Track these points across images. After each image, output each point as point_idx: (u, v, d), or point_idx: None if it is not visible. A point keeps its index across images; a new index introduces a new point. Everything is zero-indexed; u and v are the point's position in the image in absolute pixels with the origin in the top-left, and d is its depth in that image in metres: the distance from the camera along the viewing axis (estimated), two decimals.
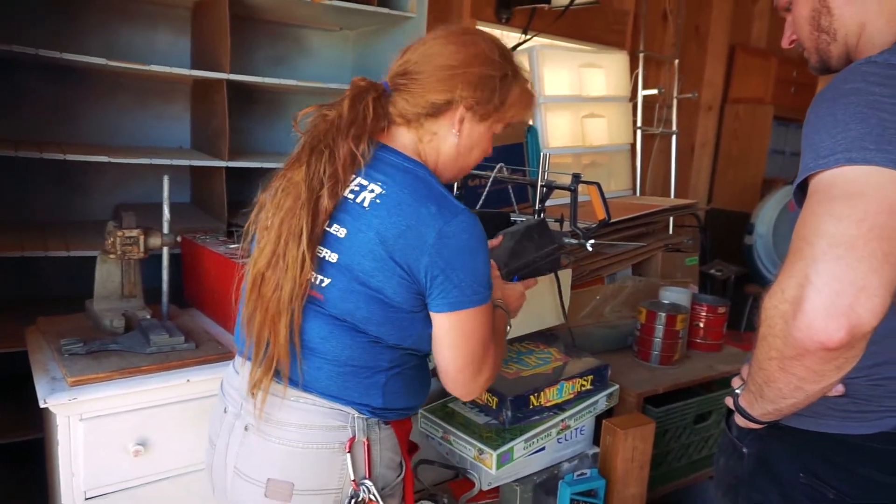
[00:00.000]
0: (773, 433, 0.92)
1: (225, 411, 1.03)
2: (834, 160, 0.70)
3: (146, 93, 1.93)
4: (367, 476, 0.96)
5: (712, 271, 2.97)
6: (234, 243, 1.57)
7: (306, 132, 0.98)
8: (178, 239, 1.44)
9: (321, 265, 0.94)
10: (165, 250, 1.42)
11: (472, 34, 1.03)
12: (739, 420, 0.93)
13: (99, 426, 1.17)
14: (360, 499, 0.94)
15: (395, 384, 0.98)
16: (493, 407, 1.38)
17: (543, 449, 1.45)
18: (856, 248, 0.65)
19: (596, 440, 1.55)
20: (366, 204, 0.92)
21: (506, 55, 1.03)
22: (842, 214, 0.67)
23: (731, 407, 0.96)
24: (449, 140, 1.01)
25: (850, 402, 0.89)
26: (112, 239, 1.34)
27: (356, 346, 0.95)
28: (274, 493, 0.94)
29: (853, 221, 0.66)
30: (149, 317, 1.39)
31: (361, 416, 0.96)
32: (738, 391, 0.92)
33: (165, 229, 1.39)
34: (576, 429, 1.50)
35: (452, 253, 0.90)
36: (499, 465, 1.32)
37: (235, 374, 1.03)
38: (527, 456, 1.40)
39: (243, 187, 2.11)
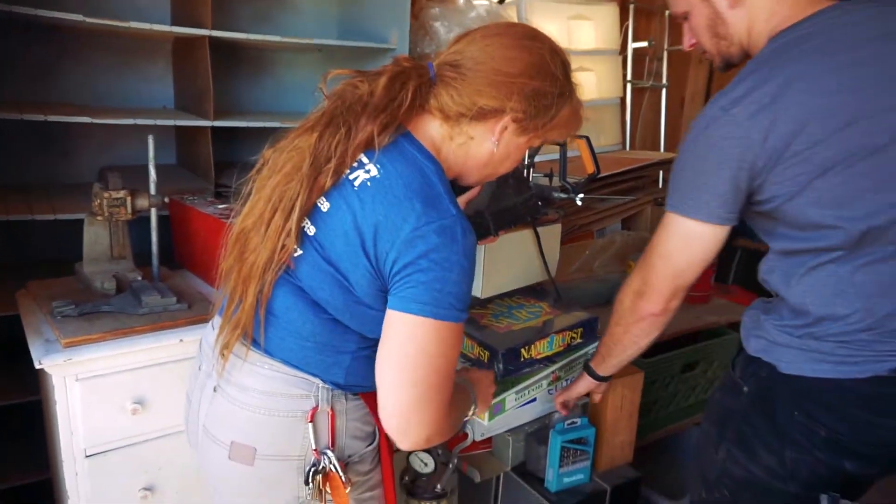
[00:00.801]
0: (774, 377, 0.97)
1: (199, 368, 1.03)
2: (670, 204, 1.00)
3: (127, 52, 1.89)
4: (330, 446, 0.94)
5: None
6: (222, 204, 1.56)
7: (331, 97, 0.92)
8: (166, 200, 1.43)
9: (299, 235, 0.91)
10: (154, 211, 1.41)
11: (537, 39, 0.95)
12: (584, 383, 1.33)
13: (95, 386, 1.19)
14: (320, 467, 0.93)
15: (360, 365, 0.95)
16: (486, 361, 1.40)
17: (535, 400, 1.48)
18: (665, 266, 1.04)
19: None
20: (356, 183, 0.88)
21: (566, 70, 0.97)
22: (660, 251, 1.04)
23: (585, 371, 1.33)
24: (484, 146, 0.95)
25: (842, 347, 0.93)
26: (99, 201, 1.33)
27: (318, 322, 0.92)
28: (237, 455, 0.93)
29: (664, 257, 1.03)
30: (139, 278, 1.39)
31: (326, 386, 0.94)
32: (587, 359, 1.32)
33: (153, 190, 1.38)
34: (566, 380, 1.53)
35: (421, 254, 0.83)
36: (491, 417, 1.35)
37: (212, 330, 1.02)
38: (518, 407, 1.43)
39: (230, 148, 2.09)
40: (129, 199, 1.34)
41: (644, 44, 2.88)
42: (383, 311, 0.88)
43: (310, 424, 0.92)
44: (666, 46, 3.03)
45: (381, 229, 0.85)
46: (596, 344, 1.55)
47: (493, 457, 1.54)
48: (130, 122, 1.61)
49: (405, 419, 0.86)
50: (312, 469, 0.93)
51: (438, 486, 1.34)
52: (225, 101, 2.04)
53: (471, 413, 1.11)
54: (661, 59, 3.04)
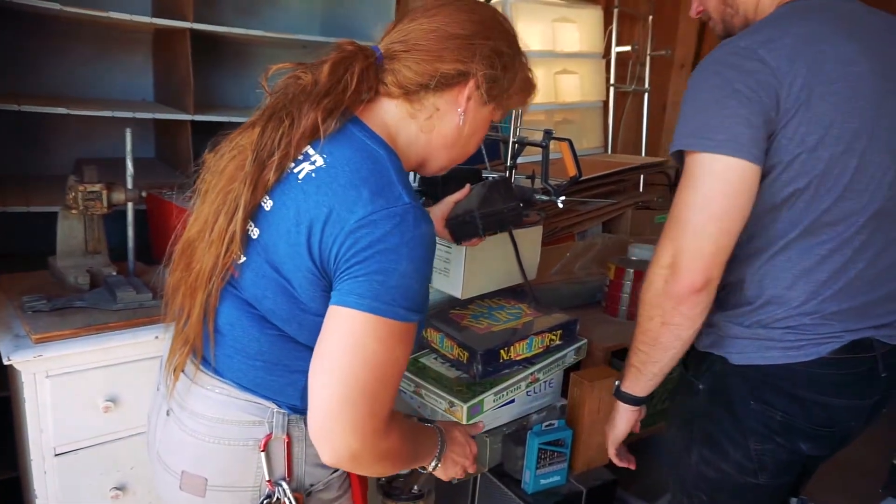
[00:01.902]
0: (726, 370, 0.98)
1: (157, 389, 0.96)
2: (689, 144, 0.90)
3: (107, 42, 1.86)
4: (286, 476, 0.86)
5: None
6: None
7: (274, 92, 0.87)
8: (143, 195, 1.40)
9: (244, 238, 0.83)
10: (130, 206, 1.38)
11: (480, 4, 0.92)
12: (622, 417, 1.13)
13: (66, 383, 1.16)
14: (274, 499, 0.86)
15: None
16: (465, 361, 1.40)
17: (513, 401, 1.48)
18: (704, 225, 0.89)
19: (564, 392, 1.59)
20: (300, 176, 0.81)
21: (508, 21, 0.93)
22: (691, 198, 0.90)
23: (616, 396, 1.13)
24: (451, 120, 0.89)
25: (789, 333, 0.97)
26: (73, 194, 1.30)
27: (265, 339, 0.84)
28: (188, 486, 0.87)
29: (699, 207, 0.89)
30: (114, 273, 1.37)
31: (281, 411, 0.86)
32: (616, 382, 1.11)
33: (129, 184, 1.36)
34: (545, 381, 1.53)
35: (366, 245, 0.75)
36: (469, 417, 1.35)
37: (169, 341, 0.94)
38: (496, 408, 1.43)
39: (207, 141, 2.06)
40: (104, 192, 1.31)
41: (627, 48, 2.90)
42: None
43: (262, 454, 0.85)
44: (649, 51, 3.05)
45: (325, 223, 0.77)
46: (576, 346, 1.56)
47: None
48: (108, 114, 1.58)
49: (329, 422, 0.75)
50: (266, 501, 0.86)
51: (415, 487, 1.33)
52: (206, 96, 2.02)
53: (430, 466, 0.98)
54: (643, 64, 3.07)
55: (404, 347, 0.79)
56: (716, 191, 0.88)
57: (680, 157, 0.94)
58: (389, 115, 0.88)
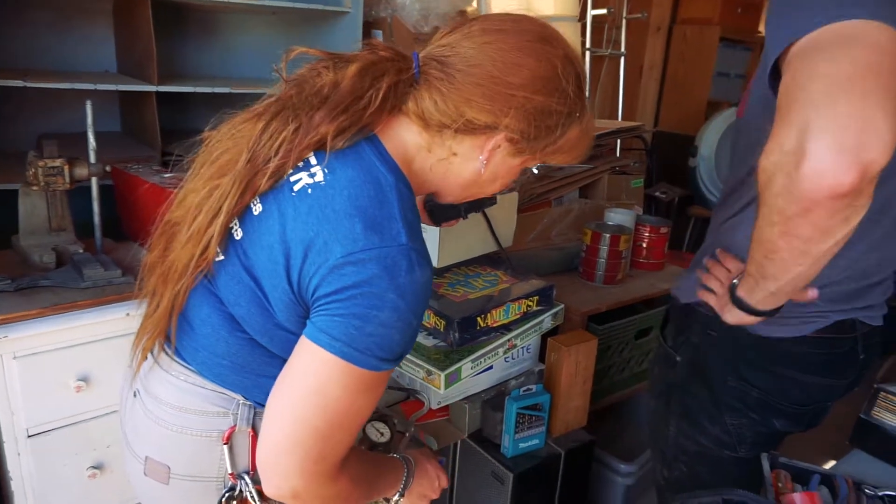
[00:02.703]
0: (706, 341, 0.98)
1: (129, 366, 0.92)
2: (815, 23, 0.64)
3: (65, 11, 1.78)
4: (250, 469, 0.82)
5: (657, 193, 3.04)
6: (168, 172, 1.50)
7: (289, 81, 0.77)
8: (108, 169, 1.36)
9: (224, 239, 0.78)
10: (94, 181, 1.35)
11: (550, 43, 0.77)
12: (732, 317, 0.87)
13: (35, 363, 1.14)
14: (236, 492, 0.82)
15: None
16: (441, 330, 1.40)
17: (491, 368, 1.49)
18: (855, 82, 0.59)
19: (542, 357, 1.61)
20: (296, 188, 0.73)
21: (580, 84, 0.80)
22: (836, 56, 0.61)
23: (713, 304, 0.92)
24: (470, 165, 0.80)
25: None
26: (33, 170, 1.26)
27: (234, 341, 0.79)
28: (152, 472, 0.84)
29: (849, 61, 0.60)
30: (81, 251, 1.34)
31: (248, 402, 0.82)
32: (735, 281, 0.85)
33: (92, 158, 1.32)
34: (522, 347, 1.54)
35: (348, 285, 0.68)
36: (447, 385, 1.35)
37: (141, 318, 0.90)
38: (474, 375, 1.44)
39: (178, 114, 2.01)
40: (66, 167, 1.27)
41: (603, 11, 2.87)
42: None
43: (225, 446, 0.81)
44: (625, 14, 3.02)
45: (309, 249, 0.70)
46: (553, 311, 1.57)
47: (449, 424, 1.55)
48: (68, 86, 1.52)
49: (275, 455, 0.71)
50: (228, 494, 0.82)
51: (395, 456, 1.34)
52: (171, 65, 1.96)
53: (392, 499, 0.91)
54: (619, 28, 3.04)
55: (370, 396, 0.73)
56: (872, 49, 0.61)
57: (777, 73, 0.70)
58: (409, 138, 0.79)
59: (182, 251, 0.78)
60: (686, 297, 1.04)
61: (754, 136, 0.91)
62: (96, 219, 1.38)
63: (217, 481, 0.83)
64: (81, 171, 1.30)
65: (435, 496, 0.98)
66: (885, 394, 1.10)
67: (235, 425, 0.81)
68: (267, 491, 0.73)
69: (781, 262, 0.72)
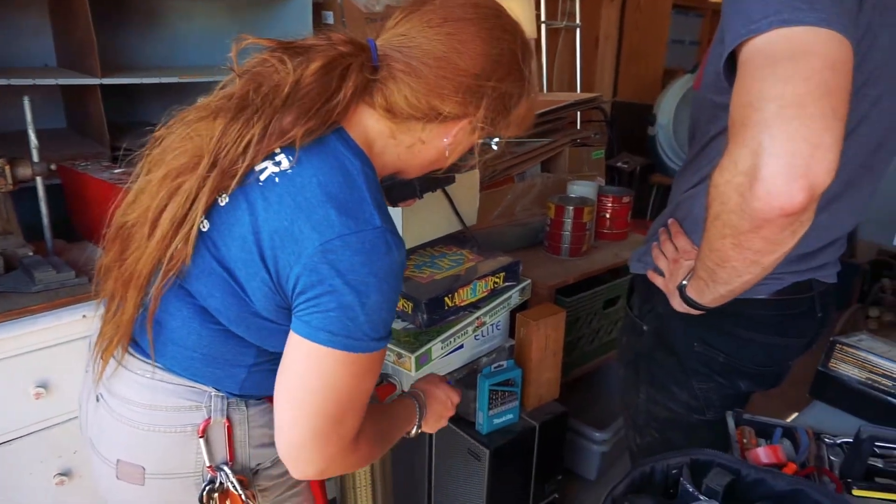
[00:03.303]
0: (670, 309, 0.99)
1: (86, 371, 0.90)
2: (767, 23, 0.66)
3: None
4: (229, 460, 0.83)
5: (619, 164, 3.06)
6: (119, 168, 1.45)
7: (244, 74, 0.75)
8: (53, 167, 1.31)
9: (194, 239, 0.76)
10: (39, 180, 1.30)
11: (507, 30, 0.79)
12: (680, 307, 0.92)
13: None
14: (217, 485, 0.82)
15: (259, 378, 0.83)
16: (409, 312, 1.39)
17: (462, 347, 1.49)
18: (805, 106, 0.62)
19: (512, 333, 1.62)
20: (262, 177, 0.72)
21: (529, 55, 0.82)
22: (787, 75, 0.63)
23: (661, 286, 0.97)
24: (435, 147, 0.82)
25: None
26: None
27: (206, 333, 0.79)
28: (125, 475, 0.82)
29: (799, 80, 0.63)
30: (31, 254, 1.29)
31: (220, 394, 0.81)
32: (684, 282, 0.90)
33: (35, 157, 1.27)
34: (492, 324, 1.55)
35: (331, 274, 0.69)
36: (418, 367, 1.35)
37: (99, 321, 0.87)
38: (445, 355, 1.44)
39: (126, 107, 1.94)
40: (7, 168, 1.22)
41: None
42: (286, 326, 0.75)
43: (201, 440, 0.80)
44: None
45: (285, 238, 0.70)
46: (520, 287, 1.58)
47: None
48: (3, 82, 1.45)
49: (298, 452, 0.74)
50: (208, 487, 0.82)
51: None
52: (115, 56, 1.88)
53: (413, 431, 0.96)
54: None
55: (374, 373, 0.76)
56: (821, 65, 0.63)
57: (732, 62, 0.73)
58: (370, 125, 0.79)
59: (146, 255, 0.75)
60: (644, 269, 1.05)
61: (710, 110, 0.92)
62: (45, 220, 1.33)
63: (195, 476, 0.82)
64: (24, 171, 1.25)
65: (451, 413, 1.03)
66: (840, 346, 1.13)
67: (210, 418, 0.80)
68: (295, 476, 0.77)
69: (733, 270, 0.76)
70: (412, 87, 0.75)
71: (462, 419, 1.53)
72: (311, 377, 0.72)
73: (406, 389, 1.19)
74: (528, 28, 2.71)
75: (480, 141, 0.86)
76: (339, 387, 0.72)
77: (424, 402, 0.98)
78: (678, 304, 0.93)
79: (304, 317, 0.71)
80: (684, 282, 0.91)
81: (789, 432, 0.96)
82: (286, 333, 0.75)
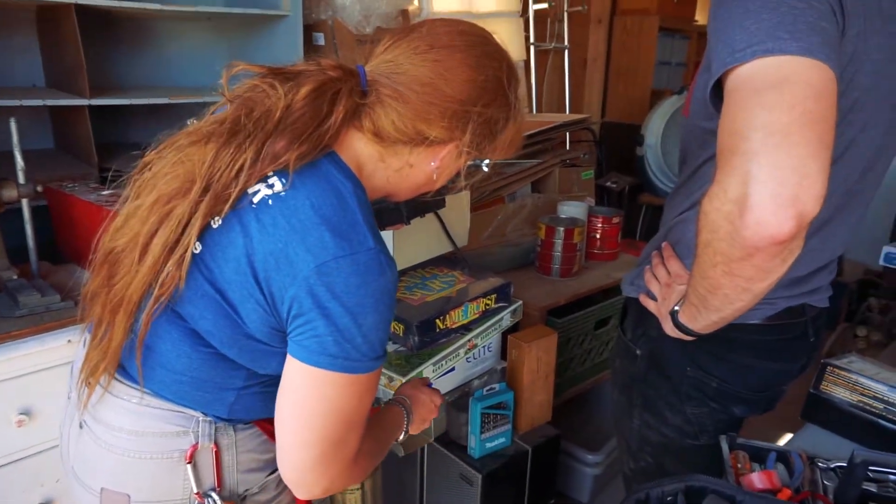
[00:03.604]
0: (663, 333, 0.99)
1: (68, 397, 0.88)
2: (751, 52, 0.68)
3: None
4: (216, 486, 0.81)
5: (608, 184, 3.08)
6: (107, 189, 1.44)
7: (234, 100, 0.75)
8: (40, 189, 1.30)
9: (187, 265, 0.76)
10: (25, 203, 1.28)
11: (494, 57, 0.81)
12: (672, 332, 0.93)
13: None
14: None
15: (248, 401, 0.82)
16: (400, 334, 1.38)
17: (454, 369, 1.48)
18: (791, 134, 0.63)
19: (504, 355, 1.61)
20: (255, 199, 0.72)
21: (517, 81, 0.84)
22: (772, 104, 0.65)
23: (654, 311, 0.97)
24: (423, 170, 0.83)
25: None
26: None
27: (196, 356, 0.78)
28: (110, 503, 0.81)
29: (784, 109, 0.64)
30: (15, 277, 1.27)
31: (207, 419, 0.80)
32: (676, 308, 0.90)
33: (21, 179, 1.25)
34: (483, 346, 1.54)
35: (327, 297, 0.69)
36: None
37: (82, 347, 0.87)
38: (437, 378, 1.43)
39: (114, 128, 1.93)
40: None
41: (544, 5, 2.89)
42: (279, 348, 0.75)
43: (189, 466, 0.79)
44: (566, 7, 3.05)
45: (279, 260, 0.70)
46: (512, 308, 1.57)
47: None
48: None
49: (303, 475, 0.75)
50: None
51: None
52: (104, 76, 1.88)
53: (400, 437, 0.97)
54: (561, 21, 3.07)
55: (372, 392, 0.76)
56: (805, 94, 0.65)
57: (718, 89, 0.74)
58: (360, 149, 0.80)
59: (136, 280, 0.74)
60: (636, 293, 1.05)
61: (700, 136, 0.93)
62: (30, 243, 1.31)
63: (182, 502, 0.81)
64: (10, 193, 1.23)
65: (434, 415, 1.04)
66: (832, 368, 1.13)
67: (198, 443, 0.79)
68: (300, 497, 0.78)
69: (725, 297, 0.76)
70: (399, 111, 0.77)
71: (454, 443, 1.52)
72: (312, 400, 0.72)
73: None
74: (517, 50, 2.74)
75: (470, 163, 0.87)
76: (341, 408, 0.73)
77: (410, 407, 0.99)
78: (670, 330, 0.93)
79: (302, 341, 0.71)
80: (676, 307, 0.91)
81: (783, 456, 0.96)
82: (278, 356, 0.75)
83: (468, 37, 0.80)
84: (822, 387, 1.13)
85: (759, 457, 0.96)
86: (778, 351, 0.99)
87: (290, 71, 0.77)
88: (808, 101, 0.64)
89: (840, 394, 1.12)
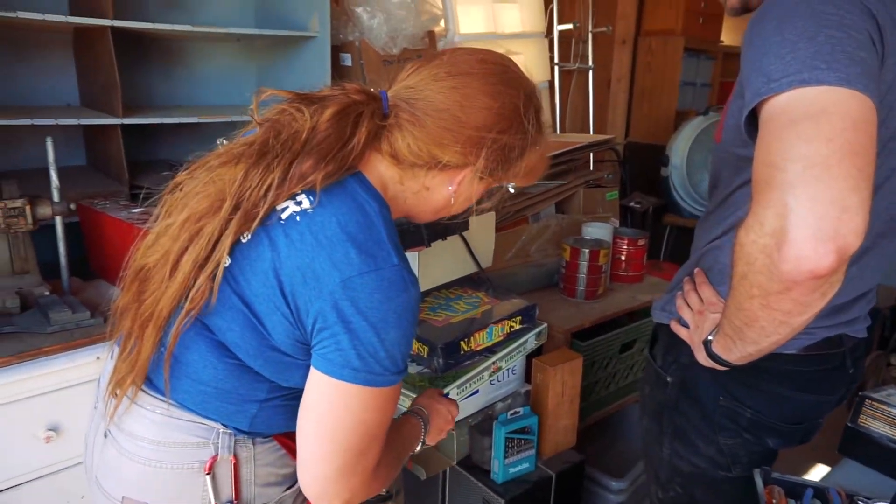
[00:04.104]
0: (694, 362, 0.96)
1: (95, 407, 0.90)
2: (787, 83, 0.67)
3: (22, 45, 1.73)
4: (234, 499, 0.82)
5: (632, 204, 3.06)
6: (137, 207, 1.46)
7: (264, 123, 0.78)
8: (73, 207, 1.32)
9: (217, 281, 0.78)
10: (59, 220, 1.30)
11: (511, 85, 0.82)
12: (705, 361, 0.90)
13: (1, 415, 1.09)
14: None
15: (269, 414, 0.83)
16: (425, 356, 1.37)
17: (477, 392, 1.47)
18: (831, 167, 0.62)
19: (528, 378, 1.59)
20: (284, 216, 0.75)
21: (538, 116, 0.85)
22: (810, 135, 0.64)
23: (686, 338, 0.96)
24: (441, 195, 0.85)
25: None
26: None
27: (222, 367, 0.79)
28: None
29: (823, 140, 0.63)
30: (48, 293, 1.29)
31: (228, 431, 0.82)
32: (710, 338, 0.88)
33: (56, 197, 1.27)
34: (507, 369, 1.52)
35: (351, 312, 0.71)
36: None
37: (110, 359, 0.89)
38: (461, 400, 1.41)
39: (145, 145, 1.96)
40: (28, 207, 1.22)
41: (569, 26, 2.90)
42: (303, 361, 0.77)
43: (208, 477, 0.80)
44: (591, 28, 3.06)
45: (306, 274, 0.72)
46: (536, 331, 1.55)
47: (437, 452, 1.52)
48: (27, 121, 1.47)
49: (322, 488, 0.76)
50: None
51: (383, 489, 1.31)
52: (135, 96, 1.91)
53: (417, 449, 0.98)
54: (586, 42, 3.07)
55: (394, 405, 0.78)
56: (843, 125, 0.63)
57: (753, 117, 0.73)
58: (383, 170, 0.83)
59: (166, 297, 0.77)
60: (667, 319, 1.03)
61: (732, 162, 0.92)
62: (62, 259, 1.33)
63: None
64: (45, 211, 1.25)
65: (451, 427, 1.05)
66: (870, 401, 1.10)
67: (217, 454, 0.81)
68: (316, 501, 0.78)
69: (761, 329, 0.75)
70: (415, 135, 0.79)
71: (476, 467, 1.50)
72: (335, 413, 0.74)
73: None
74: (542, 70, 2.75)
75: (494, 187, 0.89)
76: (363, 420, 0.74)
77: (428, 417, 1.00)
78: (703, 359, 0.92)
79: (326, 353, 0.73)
80: (710, 337, 0.89)
81: (820, 493, 0.93)
82: (301, 368, 0.77)
83: (487, 65, 0.82)
84: (860, 420, 1.10)
85: (794, 492, 0.94)
86: (815, 382, 0.96)
87: (316, 96, 0.80)
88: (847, 133, 0.63)
89: (879, 428, 1.08)
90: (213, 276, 0.75)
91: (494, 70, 0.82)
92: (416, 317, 0.76)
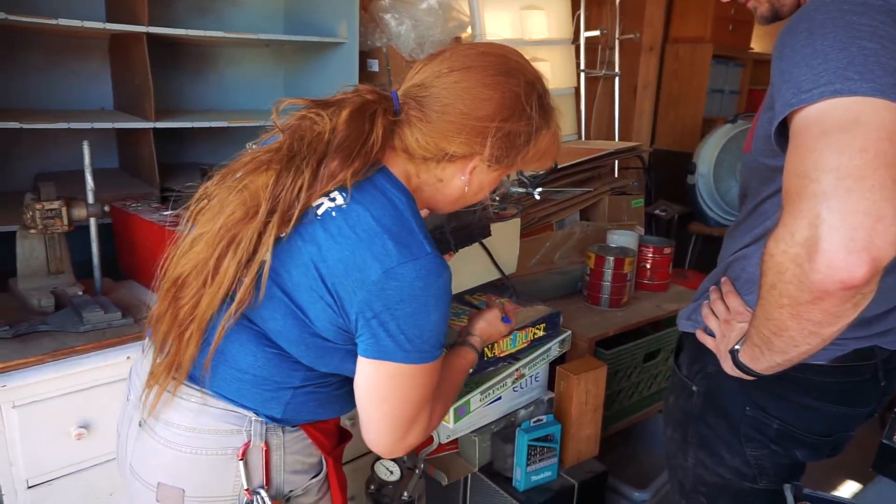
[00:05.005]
0: (721, 371, 0.95)
1: (128, 399, 0.94)
2: (819, 93, 0.66)
3: (59, 51, 1.78)
4: (265, 484, 0.87)
5: (657, 212, 3.03)
6: (167, 210, 1.48)
7: (286, 130, 0.83)
8: (107, 209, 1.35)
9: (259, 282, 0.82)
10: (93, 221, 1.33)
11: (512, 74, 0.85)
12: (732, 371, 0.89)
13: (35, 412, 1.12)
14: None
15: (302, 401, 0.88)
16: None
17: (500, 398, 1.46)
18: (864, 178, 0.61)
19: (551, 385, 1.58)
20: (319, 212, 0.80)
21: (543, 102, 0.88)
22: (842, 146, 0.63)
23: (712, 348, 0.94)
24: (455, 185, 0.90)
25: None
26: (31, 213, 1.24)
27: (261, 356, 0.84)
28: (165, 498, 0.86)
29: (856, 151, 0.62)
30: (81, 293, 1.32)
31: (259, 419, 0.86)
32: (737, 347, 0.87)
33: (90, 199, 1.30)
34: (530, 376, 1.52)
35: (396, 300, 0.77)
36: (456, 419, 1.32)
37: (142, 354, 0.94)
38: (483, 407, 1.41)
39: (175, 149, 2.00)
40: (64, 209, 1.26)
41: (596, 32, 2.89)
42: (342, 346, 0.83)
43: (241, 462, 0.85)
44: (617, 35, 3.04)
45: (349, 266, 0.78)
46: (560, 338, 1.55)
47: (459, 458, 1.52)
48: (64, 125, 1.51)
49: (389, 451, 0.87)
50: None
51: (405, 494, 1.31)
52: (167, 100, 1.95)
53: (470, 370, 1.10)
54: (612, 48, 3.06)
55: (440, 371, 0.87)
56: (878, 136, 0.62)
57: (783, 128, 0.73)
58: (402, 165, 0.88)
59: (207, 302, 0.81)
60: (693, 328, 1.02)
61: (762, 172, 0.91)
62: (95, 260, 1.36)
63: (231, 499, 0.86)
64: (80, 213, 1.28)
65: (503, 337, 1.22)
66: None
67: (249, 441, 0.85)
68: (387, 456, 0.90)
69: (790, 339, 0.74)
70: (423, 130, 0.84)
71: (498, 474, 1.49)
72: (392, 392, 0.82)
73: (443, 441, 1.22)
74: (568, 77, 2.74)
75: (522, 190, 0.92)
76: (417, 393, 0.83)
77: (483, 342, 1.12)
78: (730, 369, 0.90)
79: (377, 340, 0.79)
80: (737, 346, 0.88)
81: None
82: (340, 352, 0.83)
83: (487, 57, 0.86)
84: (895, 437, 1.07)
85: None
86: (845, 394, 0.94)
87: (332, 100, 0.85)
88: (882, 143, 0.62)
89: None
90: (258, 275, 0.80)
91: (494, 62, 0.85)
92: (450, 297, 0.82)
